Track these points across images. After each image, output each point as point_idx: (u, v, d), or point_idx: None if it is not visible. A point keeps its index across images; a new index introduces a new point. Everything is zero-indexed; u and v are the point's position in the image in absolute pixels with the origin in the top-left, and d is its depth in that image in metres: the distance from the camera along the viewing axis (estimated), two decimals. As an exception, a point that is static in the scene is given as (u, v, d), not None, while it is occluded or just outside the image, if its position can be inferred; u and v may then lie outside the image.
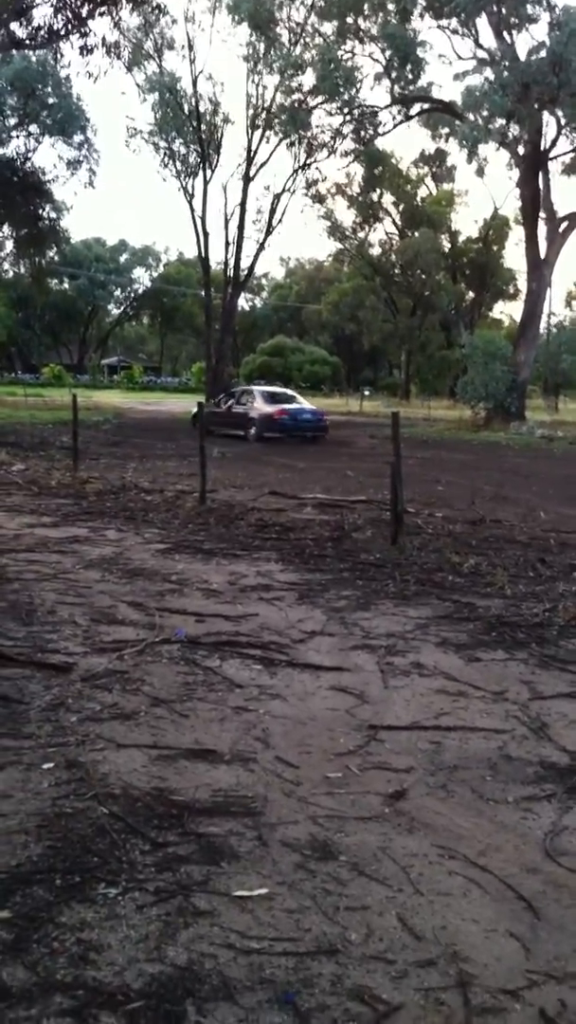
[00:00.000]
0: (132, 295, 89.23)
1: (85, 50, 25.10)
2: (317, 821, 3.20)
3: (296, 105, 36.86)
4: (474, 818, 3.27)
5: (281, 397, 27.31)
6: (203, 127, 37.76)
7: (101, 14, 24.70)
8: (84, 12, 24.08)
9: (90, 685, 4.55)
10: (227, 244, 39.90)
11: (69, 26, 24.61)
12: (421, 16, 35.22)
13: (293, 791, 3.43)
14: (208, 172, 38.67)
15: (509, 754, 3.86)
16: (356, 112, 37.69)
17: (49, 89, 35.49)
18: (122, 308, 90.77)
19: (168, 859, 2.89)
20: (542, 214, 35.36)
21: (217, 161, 38.95)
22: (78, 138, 37.33)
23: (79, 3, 23.87)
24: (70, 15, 24.17)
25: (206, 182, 38.79)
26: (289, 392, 30.19)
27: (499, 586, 7.07)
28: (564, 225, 35.05)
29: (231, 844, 3.01)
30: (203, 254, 40.23)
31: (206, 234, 39.45)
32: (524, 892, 2.77)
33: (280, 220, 41.08)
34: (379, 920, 2.61)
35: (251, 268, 42.36)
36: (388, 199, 61.77)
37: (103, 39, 25.91)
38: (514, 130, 33.41)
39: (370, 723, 4.18)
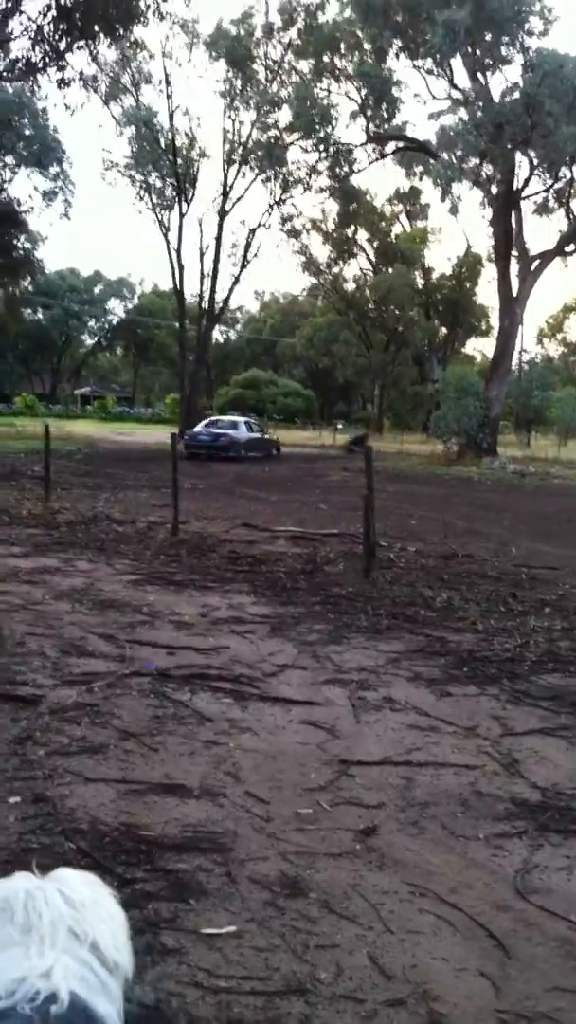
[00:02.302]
0: (106, 326, 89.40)
1: (63, 83, 25.35)
2: (287, 857, 3.17)
3: (272, 141, 37.34)
4: (445, 855, 3.25)
5: (218, 423, 33.09)
6: (179, 161, 38.10)
7: (79, 47, 24.95)
8: (62, 46, 24.31)
9: (59, 718, 4.49)
10: (202, 277, 40.25)
11: (47, 59, 24.83)
12: (397, 56, 35.87)
13: (263, 827, 3.40)
14: (184, 206, 39.07)
15: (480, 790, 3.85)
16: (332, 149, 38.22)
17: (26, 120, 35.67)
18: (96, 339, 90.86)
19: (136, 896, 2.85)
20: (514, 252, 35.88)
21: (193, 195, 39.36)
22: (54, 169, 37.52)
23: (57, 37, 24.10)
24: (48, 48, 24.40)
25: (182, 215, 39.16)
26: (228, 419, 35.13)
27: (471, 621, 7.09)
28: (536, 263, 35.57)
29: (200, 880, 2.98)
30: (178, 286, 40.48)
31: (181, 267, 39.73)
32: (495, 930, 2.75)
33: (255, 254, 41.56)
34: (349, 958, 2.58)
35: (226, 301, 42.70)
36: (363, 235, 62.52)
37: (80, 73, 26.21)
38: (487, 169, 34.01)
39: (341, 758, 4.16)
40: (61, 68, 24.83)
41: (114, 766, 3.94)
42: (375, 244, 65.07)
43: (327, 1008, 2.35)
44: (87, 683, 5.05)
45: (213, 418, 35.75)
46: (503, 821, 3.54)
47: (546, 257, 35.53)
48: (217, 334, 66.36)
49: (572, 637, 6.63)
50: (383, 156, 40.54)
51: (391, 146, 40.32)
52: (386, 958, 2.59)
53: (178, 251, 39.85)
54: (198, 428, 32.37)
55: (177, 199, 38.97)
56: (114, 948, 1.27)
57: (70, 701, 4.75)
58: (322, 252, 58.45)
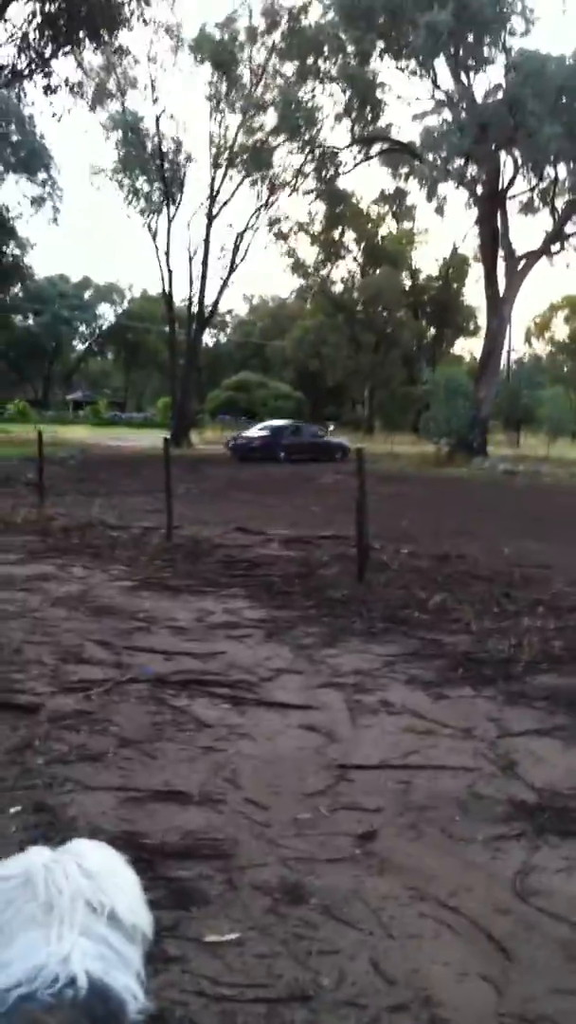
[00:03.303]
0: (97, 331, 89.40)
1: (49, 90, 25.37)
2: (287, 863, 3.18)
3: (258, 145, 37.39)
4: (444, 858, 3.27)
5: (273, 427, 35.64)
6: (166, 165, 38.13)
7: (64, 54, 24.98)
8: (47, 52, 24.33)
9: (57, 726, 4.50)
10: (191, 281, 40.27)
11: (32, 66, 24.86)
12: (380, 57, 36.00)
13: (263, 833, 3.42)
14: (171, 209, 39.10)
15: (478, 793, 3.86)
16: (317, 152, 38.33)
17: (13, 127, 35.67)
18: (87, 344, 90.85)
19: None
20: (501, 252, 35.98)
21: (180, 199, 39.40)
22: (42, 175, 37.56)
23: (42, 44, 24.13)
24: (34, 55, 24.42)
25: (170, 219, 39.25)
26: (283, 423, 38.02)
27: (465, 622, 7.11)
28: (522, 263, 35.68)
29: (201, 888, 2.99)
30: (167, 290, 40.49)
31: (170, 271, 39.82)
32: (495, 933, 2.77)
33: (243, 257, 41.46)
34: (351, 964, 2.59)
35: (215, 304, 42.70)
36: (350, 237, 62.62)
37: (66, 80, 26.24)
38: (472, 170, 34.11)
39: (339, 762, 4.17)
40: (47, 75, 24.87)
41: (114, 774, 3.95)
42: (362, 246, 65.22)
43: (330, 1015, 2.36)
44: (85, 690, 5.07)
45: (268, 423, 38.04)
46: (501, 823, 3.56)
47: (532, 257, 35.65)
48: (207, 338, 66.32)
49: (566, 636, 6.65)
50: (368, 158, 40.68)
51: (376, 148, 40.43)
52: (387, 963, 2.60)
53: (167, 255, 40.09)
54: (252, 432, 35.19)
55: (165, 203, 39.02)
56: (131, 913, 1.31)
57: (68, 709, 4.77)
58: (310, 254, 58.53)
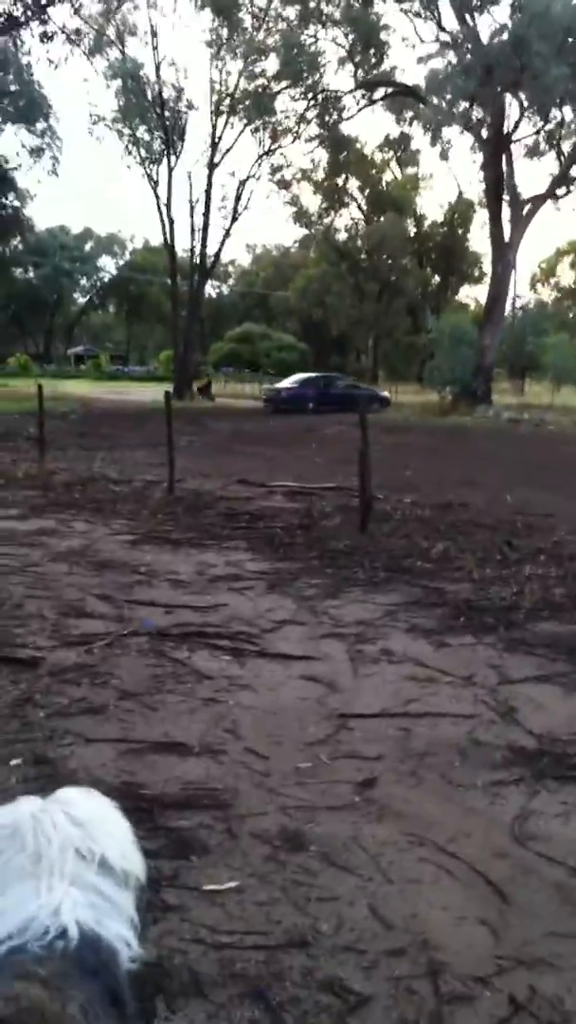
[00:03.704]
0: (98, 284, 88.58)
1: (45, 37, 24.87)
2: (287, 812, 3.19)
3: (260, 91, 36.73)
4: (443, 804, 3.28)
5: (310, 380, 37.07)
6: (167, 114, 37.51)
7: (61, 1, 24.45)
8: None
9: (58, 680, 4.51)
10: (193, 231, 39.85)
11: (29, 13, 24.34)
12: (384, -1, 35.15)
13: (263, 782, 3.43)
14: (172, 159, 38.57)
15: (478, 739, 3.87)
16: (320, 97, 37.65)
17: (11, 76, 35.07)
18: (88, 297, 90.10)
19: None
20: (506, 197, 35.46)
21: (181, 148, 38.89)
22: (41, 125, 37.01)
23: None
24: (29, 2, 23.90)
25: (171, 169, 38.76)
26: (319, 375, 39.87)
27: (467, 571, 7.10)
28: (527, 207, 35.19)
29: (201, 837, 3.01)
30: (169, 241, 40.06)
31: (171, 221, 39.41)
32: (493, 878, 2.78)
33: (246, 206, 40.95)
34: (350, 910, 2.61)
35: (217, 255, 42.36)
36: (353, 184, 61.74)
37: (63, 27, 25.72)
38: (477, 113, 33.50)
39: (340, 712, 4.18)
40: (43, 22, 24.36)
41: (114, 726, 3.96)
42: (366, 193, 64.30)
43: (329, 960, 2.38)
44: (86, 644, 5.07)
45: (300, 376, 39.13)
46: (500, 769, 3.57)
47: (537, 201, 35.14)
48: (210, 289, 65.77)
49: (567, 584, 6.65)
50: (372, 102, 39.93)
51: (380, 92, 39.70)
52: (386, 908, 2.62)
53: (168, 205, 39.60)
54: (287, 383, 36.64)
55: (165, 152, 38.48)
56: (122, 858, 1.31)
57: (69, 662, 4.77)
58: (313, 202, 57.77)
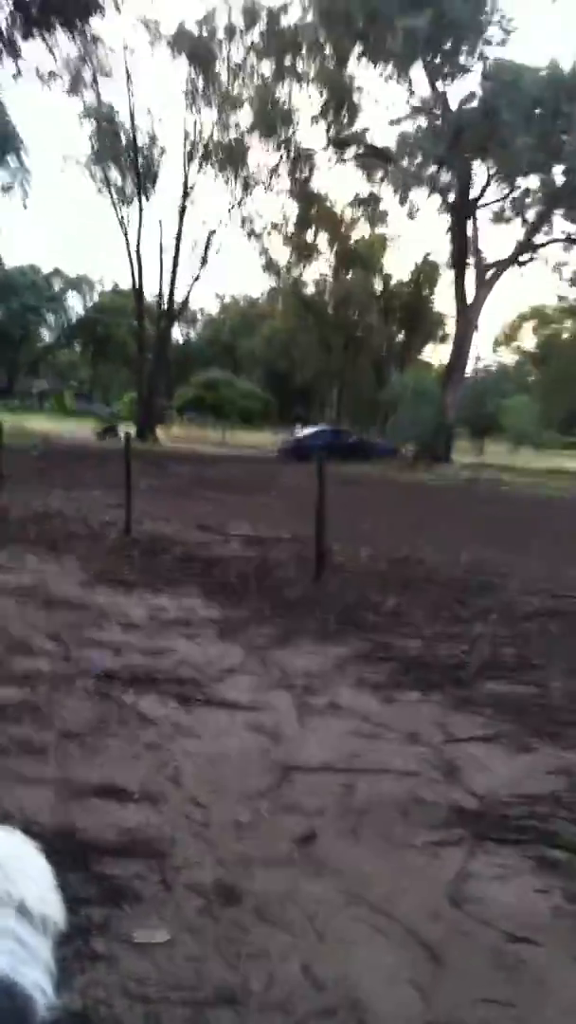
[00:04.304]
0: (65, 323, 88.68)
1: (20, 75, 25.12)
2: (224, 864, 3.15)
3: (233, 142, 37.38)
4: (382, 862, 3.26)
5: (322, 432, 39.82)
6: (140, 158, 37.97)
7: (34, 36, 24.74)
8: (18, 38, 24.12)
9: (0, 717, 4.44)
10: (161, 275, 40.13)
11: (2, 51, 24.63)
12: (358, 60, 36.06)
13: (201, 833, 3.39)
14: (143, 201, 38.92)
15: (420, 797, 3.86)
16: (292, 152, 38.36)
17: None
18: (55, 335, 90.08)
19: (68, 901, 2.80)
20: (471, 260, 36.23)
21: (153, 192, 39.24)
22: (13, 163, 37.21)
23: (12, 28, 23.91)
24: (4, 40, 24.19)
25: (141, 212, 39.08)
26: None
27: (417, 627, 7.12)
28: (491, 271, 35.96)
29: (135, 886, 2.96)
30: (137, 284, 40.31)
31: (140, 264, 39.65)
32: (427, 939, 2.76)
33: (216, 252, 41.50)
34: (281, 968, 2.57)
35: (185, 300, 42.59)
36: (322, 239, 62.62)
37: (37, 69, 26.03)
38: (445, 177, 34.30)
39: (283, 764, 4.15)
40: (16, 59, 24.66)
41: (53, 767, 3.90)
42: (335, 248, 65.21)
43: (257, 1018, 2.34)
44: (30, 682, 5.00)
45: (316, 428, 42.84)
46: (441, 829, 3.56)
47: (501, 265, 35.93)
48: (178, 334, 66.19)
49: (516, 644, 6.69)
50: (343, 161, 40.74)
51: (351, 151, 40.53)
52: (318, 967, 2.58)
53: (137, 249, 39.77)
54: (302, 434, 39.94)
55: (137, 195, 38.84)
56: (41, 902, 1.27)
57: (12, 700, 4.70)
58: (283, 254, 58.48)
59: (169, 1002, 2.38)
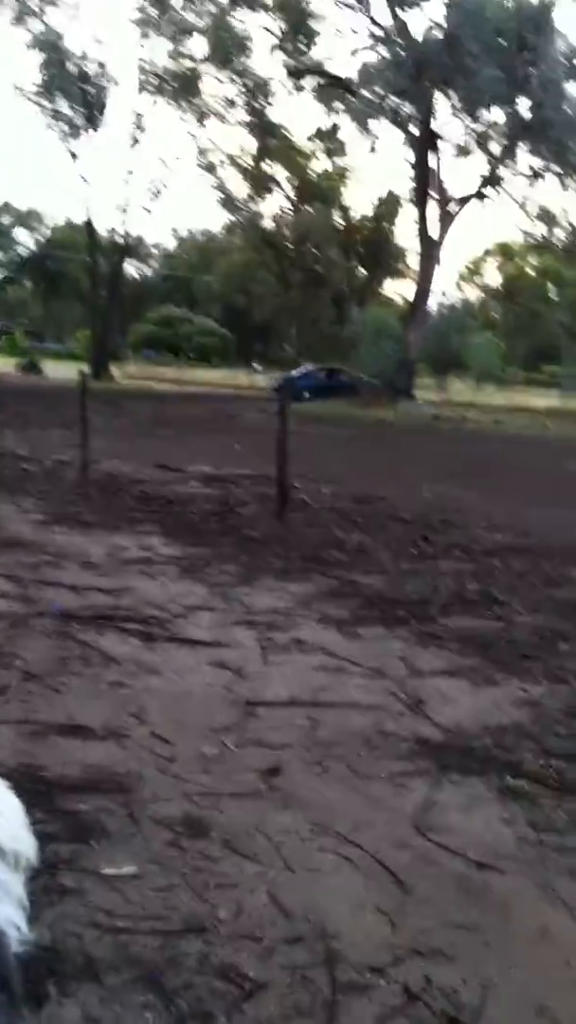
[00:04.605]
0: (16, 259, 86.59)
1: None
2: (191, 798, 3.15)
3: (188, 72, 36.40)
4: (348, 794, 3.28)
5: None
6: (90, 88, 36.88)
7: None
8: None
9: (-41, 659, 4.39)
10: (115, 209, 39.30)
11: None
12: (316, -15, 35.09)
13: (167, 768, 3.38)
14: (94, 133, 37.93)
15: (385, 730, 3.88)
16: (249, 82, 37.44)
17: None
18: (4, 272, 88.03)
19: (35, 837, 2.80)
20: (433, 194, 35.82)
21: (101, 121, 38.20)
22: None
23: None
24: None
25: (93, 145, 38.12)
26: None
27: (382, 564, 7.14)
28: (455, 206, 35.61)
29: (101, 821, 2.95)
30: (89, 219, 39.43)
31: (92, 198, 38.83)
32: (393, 867, 2.79)
33: (165, 186, 40.57)
34: (249, 898, 2.59)
35: (138, 236, 41.78)
36: (281, 172, 61.52)
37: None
38: (408, 109, 33.70)
39: (248, 699, 4.15)
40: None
41: (15, 708, 3.87)
42: (294, 182, 64.14)
43: (225, 947, 2.35)
44: (-10, 624, 4.94)
45: (308, 367, 43.60)
46: (406, 760, 3.59)
47: (465, 200, 35.58)
48: (132, 271, 65.00)
49: (480, 579, 6.74)
50: (301, 91, 39.88)
51: (310, 82, 39.65)
52: (286, 896, 2.60)
53: (87, 182, 38.85)
54: (296, 373, 40.47)
55: (88, 128, 37.80)
56: (12, 839, 1.27)
57: (-29, 642, 4.64)
58: (241, 188, 57.44)
59: (138, 932, 2.38)
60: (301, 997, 2.18)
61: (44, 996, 2.10)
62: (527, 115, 32.35)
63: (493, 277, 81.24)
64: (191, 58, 37.03)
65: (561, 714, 4.15)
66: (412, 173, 36.77)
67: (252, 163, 51.23)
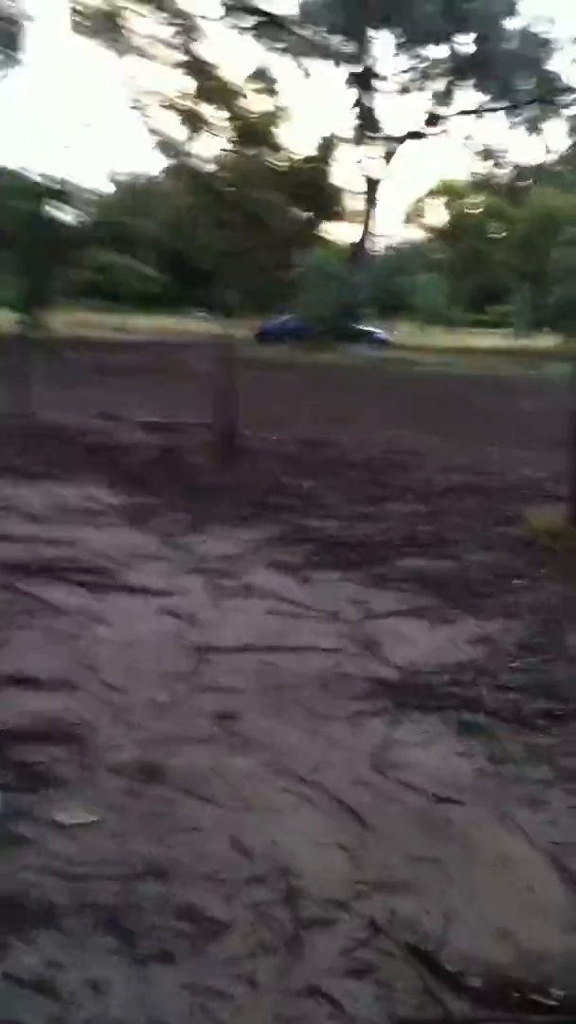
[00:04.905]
0: None
1: None
2: (145, 745, 3.12)
3: (112, 7, 35.33)
4: (306, 735, 3.27)
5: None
6: (3, 22, 35.62)
7: None
8: None
9: None
10: (42, 151, 38.25)
11: None
12: None
13: (120, 716, 3.34)
14: (14, 71, 36.81)
15: (341, 672, 3.87)
16: (185, 22, 36.47)
17: None
18: None
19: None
20: (374, 134, 35.37)
21: (18, 58, 36.92)
22: None
23: None
24: None
25: (12, 83, 36.92)
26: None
27: (333, 508, 7.10)
28: (395, 145, 35.23)
29: (55, 771, 2.90)
30: (13, 161, 38.32)
31: (17, 138, 37.64)
32: (354, 805, 2.78)
33: (86, 125, 39.54)
34: (208, 840, 2.57)
35: (72, 180, 40.71)
36: (220, 114, 60.22)
37: None
38: (348, 47, 33.13)
39: (200, 646, 4.11)
40: None
41: (-37, 661, 3.78)
42: (233, 124, 62.86)
43: (186, 889, 2.33)
44: None
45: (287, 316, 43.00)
46: (363, 700, 3.58)
47: (402, 139, 35.21)
48: (68, 217, 63.41)
49: (432, 521, 6.74)
50: (240, 30, 38.95)
51: (248, 20, 38.71)
52: (246, 837, 2.58)
53: (11, 123, 37.69)
54: (274, 321, 41.70)
55: (6, 64, 36.56)
56: None
57: None
58: (179, 131, 56.14)
59: (98, 878, 2.36)
60: (265, 935, 2.17)
61: (4, 945, 2.08)
62: (470, 51, 32.00)
63: (438, 217, 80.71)
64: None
65: (516, 649, 4.18)
66: (354, 113, 36.27)
67: (187, 104, 50.12)
